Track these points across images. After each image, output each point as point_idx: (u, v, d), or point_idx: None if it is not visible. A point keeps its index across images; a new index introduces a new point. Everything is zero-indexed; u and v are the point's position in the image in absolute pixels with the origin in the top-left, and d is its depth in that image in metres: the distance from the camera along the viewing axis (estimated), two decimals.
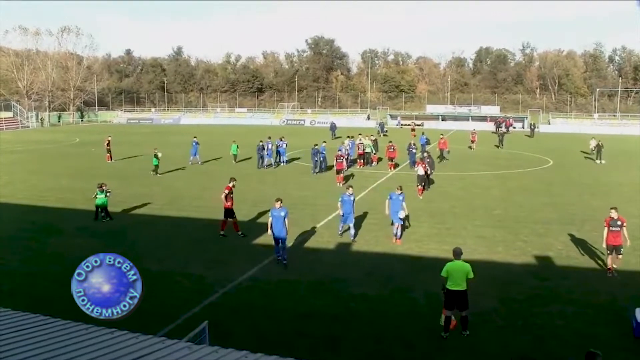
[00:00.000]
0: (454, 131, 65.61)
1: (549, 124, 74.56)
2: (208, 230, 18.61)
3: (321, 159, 31.12)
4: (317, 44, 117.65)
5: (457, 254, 10.68)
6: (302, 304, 12.26)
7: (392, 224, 16.96)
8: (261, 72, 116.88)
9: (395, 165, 32.17)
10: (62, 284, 12.88)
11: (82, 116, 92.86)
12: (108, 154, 36.66)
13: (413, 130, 56.58)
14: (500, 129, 55.86)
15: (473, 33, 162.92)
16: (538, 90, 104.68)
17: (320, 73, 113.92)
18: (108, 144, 36.74)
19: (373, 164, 34.50)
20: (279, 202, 15.09)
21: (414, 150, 32.33)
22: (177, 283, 13.50)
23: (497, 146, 46.23)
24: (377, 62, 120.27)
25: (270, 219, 14.94)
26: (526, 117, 75.87)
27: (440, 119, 77.89)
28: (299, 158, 37.72)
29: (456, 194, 24.82)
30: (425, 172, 24.51)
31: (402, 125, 74.90)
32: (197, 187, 26.97)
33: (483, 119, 74.66)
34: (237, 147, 35.75)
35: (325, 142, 32.47)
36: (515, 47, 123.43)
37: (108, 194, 19.77)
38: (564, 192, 25.85)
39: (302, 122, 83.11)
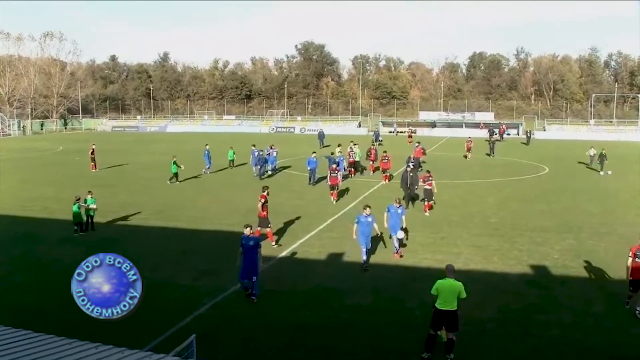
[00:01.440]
0: (447, 138, 65.68)
1: (544, 130, 74.63)
2: (197, 240, 18.29)
3: (309, 169, 29.99)
4: (307, 50, 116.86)
5: (450, 271, 9.87)
6: (295, 315, 11.98)
7: (391, 237, 16.19)
8: (250, 79, 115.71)
9: (390, 177, 30.89)
10: (47, 294, 12.74)
11: (65, 124, 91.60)
12: (92, 163, 36.19)
13: (410, 137, 56.24)
14: (493, 135, 54.61)
15: (466, 38, 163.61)
16: (533, 96, 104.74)
17: (310, 79, 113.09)
18: (92, 153, 36.28)
19: (367, 173, 34.10)
20: (248, 228, 12.65)
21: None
22: (165, 294, 13.14)
23: (489, 154, 45.26)
24: (368, 67, 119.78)
25: (240, 249, 12.50)
26: (521, 124, 75.91)
27: (432, 126, 77.46)
28: (289, 166, 37.43)
29: (451, 203, 24.55)
30: (412, 188, 23.57)
31: (397, 132, 73.20)
32: (186, 196, 26.63)
33: (477, 125, 74.46)
34: (234, 153, 36.78)
35: (315, 152, 31.23)
36: (510, 52, 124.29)
37: (80, 202, 19.02)
38: (561, 199, 25.71)
39: (292, 129, 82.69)
